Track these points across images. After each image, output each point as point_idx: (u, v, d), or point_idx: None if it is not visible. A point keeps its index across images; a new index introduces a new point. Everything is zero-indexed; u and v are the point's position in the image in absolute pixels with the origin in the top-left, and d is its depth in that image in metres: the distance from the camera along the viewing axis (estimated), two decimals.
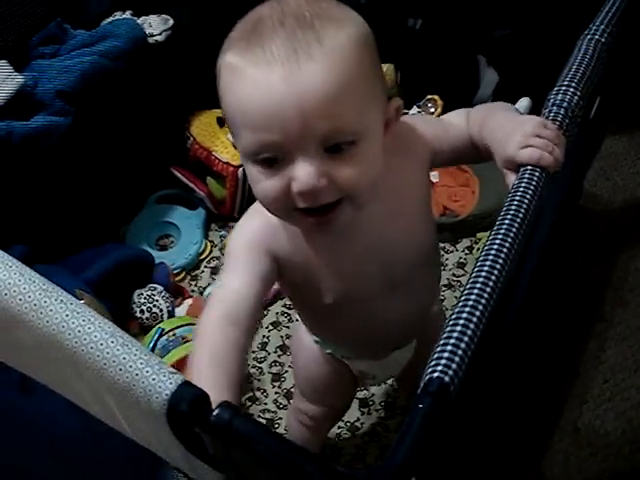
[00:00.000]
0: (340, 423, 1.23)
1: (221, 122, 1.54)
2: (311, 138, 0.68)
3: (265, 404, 1.27)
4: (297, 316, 1.04)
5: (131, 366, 0.50)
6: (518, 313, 1.08)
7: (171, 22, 1.41)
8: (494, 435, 1.22)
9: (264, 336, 1.37)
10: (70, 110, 1.24)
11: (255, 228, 0.80)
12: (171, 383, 0.50)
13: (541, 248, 1.07)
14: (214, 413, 0.50)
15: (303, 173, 0.69)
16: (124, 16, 1.39)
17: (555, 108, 0.81)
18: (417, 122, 0.87)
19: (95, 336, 0.51)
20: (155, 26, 1.39)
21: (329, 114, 0.68)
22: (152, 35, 1.38)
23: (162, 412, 0.50)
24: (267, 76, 0.67)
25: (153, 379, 0.50)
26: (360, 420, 1.24)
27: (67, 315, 0.52)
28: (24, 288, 0.53)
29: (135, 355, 0.50)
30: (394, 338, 0.98)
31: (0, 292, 0.53)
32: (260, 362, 1.33)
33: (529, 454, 1.22)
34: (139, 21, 1.38)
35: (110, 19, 1.37)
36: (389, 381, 1.23)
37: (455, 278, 1.44)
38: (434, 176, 1.51)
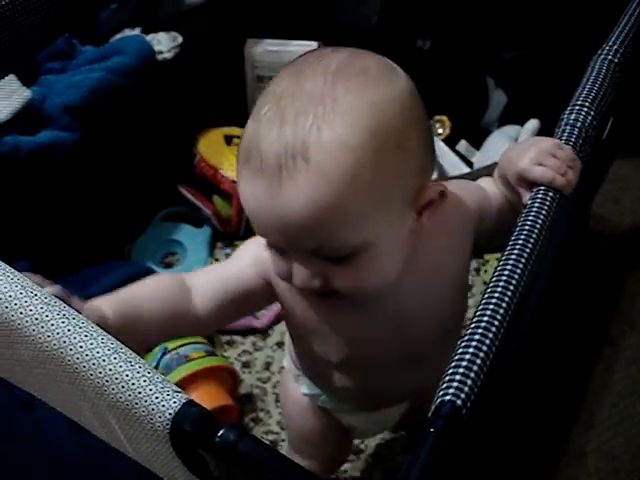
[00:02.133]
0: None
1: (228, 140, 1.54)
2: (301, 250, 0.67)
3: (268, 425, 1.26)
4: (285, 362, 1.02)
5: (134, 383, 0.49)
6: (525, 337, 1.07)
7: (180, 40, 1.41)
8: (500, 460, 1.20)
9: (268, 356, 1.36)
10: (77, 126, 1.24)
11: (255, 251, 0.79)
12: (175, 402, 0.49)
13: (549, 271, 1.06)
14: (219, 434, 0.48)
15: (297, 273, 0.69)
16: (133, 33, 1.39)
17: (569, 128, 0.80)
18: (467, 192, 0.82)
19: (97, 352, 0.50)
20: (164, 43, 1.39)
21: (313, 235, 0.65)
22: (161, 52, 1.38)
23: (165, 432, 0.49)
24: (254, 185, 0.65)
25: (156, 397, 0.49)
26: (364, 442, 1.22)
27: (69, 330, 0.51)
28: (25, 301, 0.52)
29: (138, 372, 0.49)
30: (397, 397, 0.94)
31: (1, 305, 0.52)
32: (264, 382, 1.32)
33: (536, 479, 1.20)
34: (148, 38, 1.38)
35: (119, 36, 1.38)
36: None
37: None
38: None
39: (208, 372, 1.20)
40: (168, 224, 1.54)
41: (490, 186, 0.85)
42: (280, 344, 1.37)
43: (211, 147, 1.51)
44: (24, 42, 1.20)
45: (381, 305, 0.77)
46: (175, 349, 1.23)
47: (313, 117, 0.63)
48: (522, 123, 1.52)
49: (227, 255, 1.51)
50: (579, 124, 0.80)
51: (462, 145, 1.58)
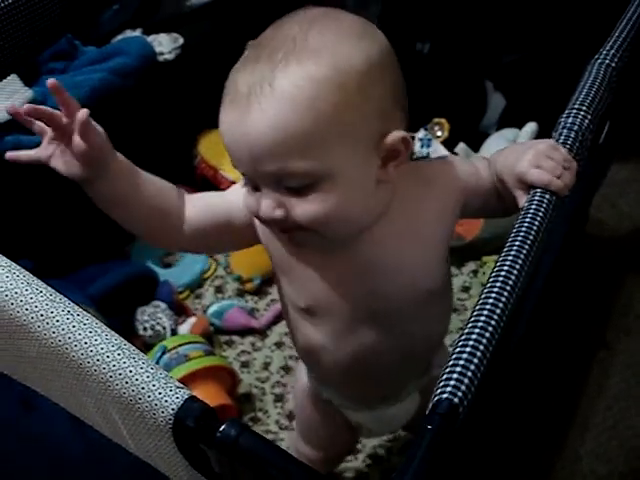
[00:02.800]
0: None
1: None
2: (266, 176, 0.71)
3: (267, 425, 1.26)
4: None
5: (137, 379, 0.50)
6: (522, 339, 1.08)
7: (181, 41, 1.42)
8: (496, 463, 1.21)
9: (267, 356, 1.36)
10: None
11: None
12: (177, 397, 0.49)
13: (546, 274, 1.07)
14: (220, 429, 0.49)
15: (262, 204, 0.73)
16: (134, 34, 1.40)
17: (566, 131, 0.81)
18: (456, 163, 0.86)
19: (102, 348, 0.51)
20: (165, 44, 1.40)
21: (275, 158, 0.70)
22: (162, 53, 1.39)
23: (168, 427, 0.49)
24: (229, 115, 0.72)
25: (159, 393, 0.49)
26: (362, 442, 1.23)
27: (74, 326, 0.51)
28: (31, 298, 0.53)
29: (142, 368, 0.50)
30: (381, 381, 0.94)
31: (7, 301, 0.53)
32: (263, 382, 1.33)
33: None
34: (149, 39, 1.39)
35: (120, 37, 1.38)
36: None
37: (460, 302, 1.44)
38: None
39: (207, 371, 1.21)
40: None
41: (484, 170, 0.86)
42: (279, 344, 1.38)
43: (211, 148, 1.51)
44: (26, 42, 1.21)
45: (350, 252, 0.79)
46: (174, 348, 1.23)
47: (284, 53, 0.69)
48: (520, 126, 1.53)
49: (226, 256, 1.51)
50: (576, 127, 0.81)
51: (461, 148, 1.58)
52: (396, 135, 0.74)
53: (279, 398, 1.30)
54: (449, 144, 1.60)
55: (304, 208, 0.72)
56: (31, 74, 1.24)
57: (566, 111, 0.83)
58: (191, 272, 1.47)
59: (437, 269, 0.86)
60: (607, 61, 0.90)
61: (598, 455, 1.24)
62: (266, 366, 1.35)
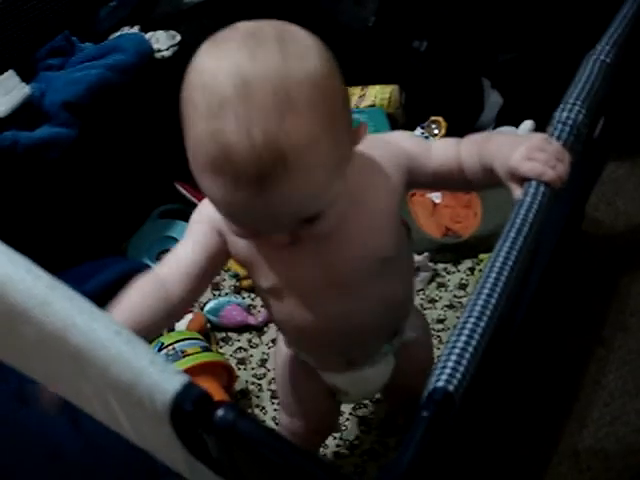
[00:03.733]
0: (339, 441, 1.23)
1: None
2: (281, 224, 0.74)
3: (264, 421, 1.27)
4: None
5: (136, 364, 0.50)
6: (518, 335, 1.08)
7: (178, 38, 1.42)
8: (493, 458, 1.21)
9: (263, 353, 1.37)
10: (76, 122, 1.25)
11: (204, 208, 0.86)
12: (176, 382, 0.50)
13: (543, 271, 1.07)
14: (218, 413, 0.49)
15: (277, 239, 0.76)
16: (132, 31, 1.40)
17: (560, 125, 0.81)
18: (397, 134, 0.90)
19: (101, 334, 0.51)
20: (162, 41, 1.40)
21: (299, 215, 0.72)
22: (159, 50, 1.39)
23: (166, 412, 0.49)
24: (236, 197, 0.69)
25: (158, 378, 0.49)
26: (359, 438, 1.23)
27: (73, 312, 0.52)
28: (30, 284, 0.53)
29: (140, 353, 0.50)
30: (349, 344, 0.96)
31: (7, 287, 0.53)
32: (259, 379, 1.33)
33: (529, 477, 1.22)
34: (147, 36, 1.39)
35: (118, 33, 1.38)
36: None
37: (456, 299, 1.44)
38: (436, 197, 1.52)
39: (204, 368, 1.21)
40: (164, 221, 1.55)
41: (447, 149, 0.88)
42: (275, 341, 1.38)
43: None
44: (24, 39, 1.21)
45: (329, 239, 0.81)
46: (171, 344, 1.23)
47: (276, 116, 0.66)
48: (517, 124, 1.53)
49: None
50: (570, 122, 0.81)
51: None
52: (363, 127, 0.78)
53: (276, 394, 1.30)
54: None
55: (312, 229, 0.75)
56: (28, 70, 1.24)
57: (560, 106, 0.83)
58: None
59: (388, 237, 0.88)
60: (602, 57, 0.90)
61: (595, 451, 1.24)
62: (263, 363, 1.35)
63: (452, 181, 0.89)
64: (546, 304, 1.32)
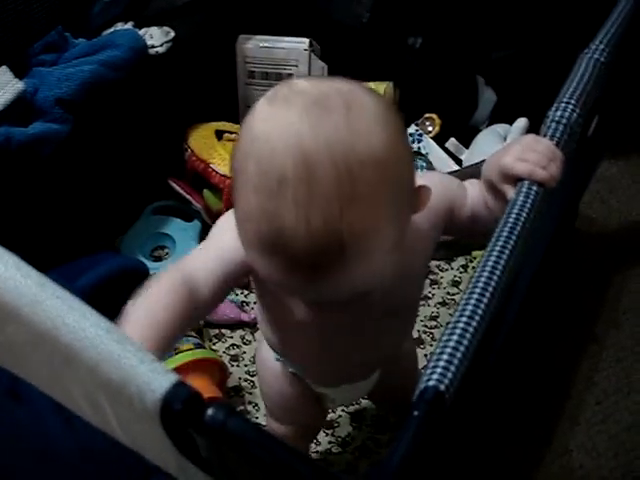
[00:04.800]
0: (331, 438, 1.23)
1: (219, 135, 1.55)
2: None
3: (257, 418, 1.27)
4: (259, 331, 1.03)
5: (125, 363, 0.50)
6: (510, 334, 1.08)
7: (172, 34, 1.41)
8: (485, 456, 1.21)
9: (256, 349, 1.36)
10: (69, 118, 1.24)
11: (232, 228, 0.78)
12: (165, 381, 0.50)
13: (535, 268, 1.07)
14: (208, 413, 0.49)
15: None
16: (125, 27, 1.39)
17: (554, 124, 0.81)
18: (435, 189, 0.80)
19: (90, 332, 0.51)
20: (156, 37, 1.40)
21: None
22: (153, 46, 1.39)
23: (156, 411, 0.49)
24: (288, 279, 0.65)
25: (148, 377, 0.49)
26: (351, 435, 1.23)
27: (63, 310, 0.52)
28: (20, 282, 0.53)
29: (130, 352, 0.50)
30: (350, 373, 0.96)
31: None
32: (252, 376, 1.33)
33: (521, 475, 1.22)
34: (141, 32, 1.38)
35: (111, 30, 1.38)
36: None
37: (449, 296, 1.44)
38: None
39: (197, 364, 1.21)
40: (158, 218, 1.55)
41: (473, 187, 0.86)
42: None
43: (202, 141, 1.51)
44: (17, 34, 1.21)
45: (367, 301, 0.78)
46: None
47: (338, 203, 0.61)
48: (511, 122, 1.53)
49: None
50: (564, 121, 0.81)
51: (451, 143, 1.59)
52: (427, 193, 0.74)
53: None
54: (440, 139, 1.60)
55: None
56: (21, 66, 1.24)
57: (554, 104, 0.84)
58: None
59: (416, 293, 0.89)
60: (596, 56, 0.90)
61: (587, 449, 1.24)
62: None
63: (484, 219, 0.85)
64: (539, 301, 1.33)
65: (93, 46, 1.31)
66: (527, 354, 1.32)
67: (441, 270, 1.48)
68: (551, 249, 1.22)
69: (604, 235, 1.59)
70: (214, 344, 1.37)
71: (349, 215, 0.61)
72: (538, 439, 1.25)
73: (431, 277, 1.47)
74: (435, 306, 1.42)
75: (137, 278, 1.37)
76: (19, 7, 1.20)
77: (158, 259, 1.51)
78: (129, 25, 1.39)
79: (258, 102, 0.68)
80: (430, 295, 1.44)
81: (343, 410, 1.26)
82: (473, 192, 0.86)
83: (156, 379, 0.49)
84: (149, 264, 1.44)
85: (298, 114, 0.63)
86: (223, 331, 1.40)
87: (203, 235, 1.53)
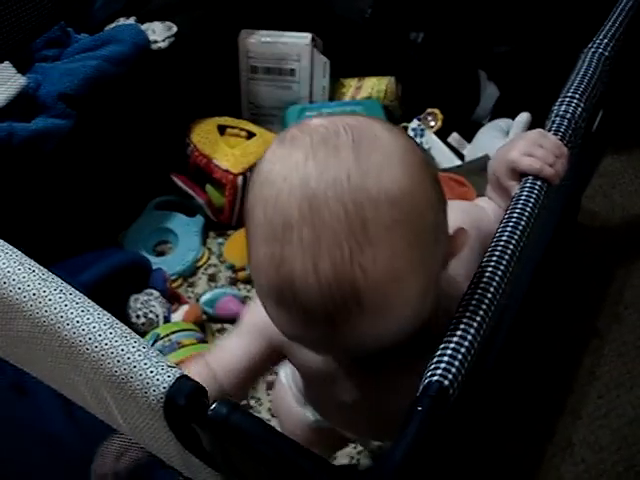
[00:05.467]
0: None
1: (222, 130, 1.55)
2: None
3: (259, 412, 1.27)
4: (282, 374, 1.01)
5: (129, 358, 0.50)
6: (512, 328, 1.09)
7: (175, 29, 1.42)
8: (488, 450, 1.21)
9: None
10: (72, 113, 1.25)
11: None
12: (169, 376, 0.50)
13: (538, 262, 1.07)
14: (211, 407, 0.50)
15: None
16: (128, 22, 1.39)
17: (559, 119, 0.82)
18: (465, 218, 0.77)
19: (94, 327, 0.51)
20: (159, 33, 1.40)
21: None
22: (155, 42, 1.39)
23: (159, 406, 0.50)
24: (303, 334, 0.62)
25: (151, 372, 0.50)
26: None
27: (66, 305, 0.52)
28: (23, 277, 0.53)
29: (133, 347, 0.50)
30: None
31: (1, 280, 0.53)
32: None
33: (523, 469, 1.22)
34: (143, 27, 1.38)
35: (113, 25, 1.38)
36: None
37: None
38: None
39: None
40: (161, 213, 1.55)
41: (488, 204, 0.85)
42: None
43: (204, 137, 1.51)
44: (19, 30, 1.21)
45: (375, 372, 0.75)
46: (167, 336, 1.24)
47: (348, 246, 0.57)
48: (514, 116, 1.53)
49: (220, 244, 1.52)
50: (569, 115, 0.82)
51: (454, 137, 1.59)
52: (461, 237, 0.69)
53: (271, 386, 1.30)
54: (442, 134, 1.60)
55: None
56: (24, 61, 1.24)
57: (559, 99, 0.84)
58: (184, 260, 1.47)
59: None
60: (600, 50, 0.91)
61: (590, 443, 1.25)
62: None
63: None
64: (541, 295, 1.33)
65: (95, 41, 1.31)
66: (529, 349, 1.32)
67: None
68: (554, 243, 1.22)
69: (607, 229, 1.60)
70: (217, 339, 1.38)
71: (361, 259, 0.56)
72: (540, 433, 1.26)
73: None
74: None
75: (139, 272, 1.38)
76: (21, 3, 1.21)
77: (161, 254, 1.51)
78: (131, 20, 1.39)
79: (271, 144, 0.64)
80: None
81: None
82: (490, 207, 0.84)
83: (160, 374, 0.50)
84: (152, 259, 1.44)
85: (304, 154, 0.59)
86: (226, 326, 1.40)
87: (206, 230, 1.54)
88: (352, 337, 0.59)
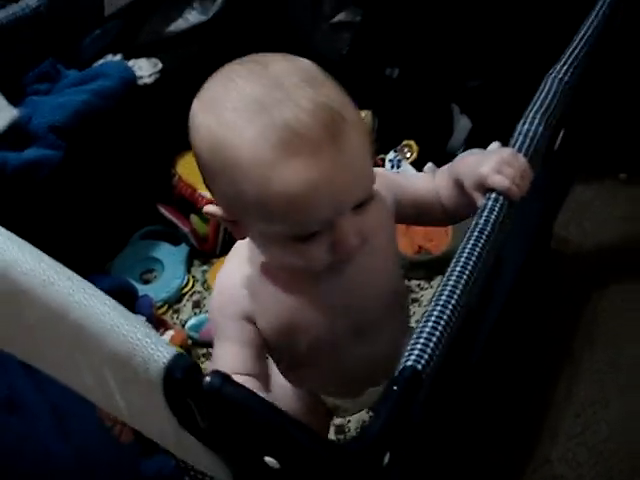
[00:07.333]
0: None
1: None
2: (348, 208, 0.75)
3: None
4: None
5: (132, 336, 0.54)
6: (486, 351, 1.12)
7: (160, 66, 1.46)
8: (467, 466, 1.25)
9: None
10: (62, 144, 1.27)
11: (225, 299, 0.87)
12: (168, 352, 0.54)
13: (511, 286, 1.11)
14: (206, 380, 0.53)
15: (349, 239, 0.75)
16: (115, 59, 1.44)
17: (521, 137, 0.87)
18: (387, 174, 0.94)
19: (99, 309, 0.55)
20: (145, 69, 1.44)
21: (365, 181, 0.76)
22: (141, 77, 1.43)
23: (159, 379, 0.53)
24: (313, 165, 0.70)
25: (152, 348, 0.53)
26: (348, 423, 1.27)
27: (73, 290, 0.56)
28: (34, 265, 0.57)
29: (135, 327, 0.54)
30: (365, 381, 0.99)
31: (11, 270, 0.57)
32: None
33: None
34: (130, 64, 1.43)
35: (102, 61, 1.42)
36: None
37: None
38: None
39: None
40: (147, 242, 1.58)
41: (422, 181, 0.94)
42: None
43: (189, 168, 1.55)
44: (10, 64, 1.25)
45: (341, 281, 0.83)
46: None
47: (314, 87, 0.73)
48: (486, 147, 1.57)
49: (204, 272, 1.55)
50: (531, 134, 0.87)
51: (429, 167, 1.63)
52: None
53: None
54: (418, 165, 1.65)
55: (368, 221, 0.77)
56: (17, 94, 1.28)
57: (522, 119, 0.90)
58: (169, 287, 1.51)
59: (394, 271, 0.92)
60: (560, 76, 0.97)
61: (567, 460, 1.28)
62: None
63: (433, 210, 0.93)
64: (517, 317, 1.37)
65: (84, 76, 1.35)
66: (507, 369, 1.36)
67: (421, 289, 1.52)
68: (528, 268, 1.26)
69: (579, 255, 1.64)
70: (202, 363, 1.40)
71: (326, 92, 0.73)
72: (520, 450, 1.29)
73: (412, 296, 1.51)
74: (415, 323, 1.45)
75: (126, 298, 1.40)
76: (12, 40, 1.25)
77: (147, 282, 1.54)
78: (118, 57, 1.44)
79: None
80: (411, 313, 1.47)
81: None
82: (425, 184, 0.93)
83: (159, 351, 0.53)
84: (138, 286, 1.47)
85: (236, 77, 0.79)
86: (211, 350, 1.41)
87: (190, 259, 1.57)
88: (350, 150, 0.72)
